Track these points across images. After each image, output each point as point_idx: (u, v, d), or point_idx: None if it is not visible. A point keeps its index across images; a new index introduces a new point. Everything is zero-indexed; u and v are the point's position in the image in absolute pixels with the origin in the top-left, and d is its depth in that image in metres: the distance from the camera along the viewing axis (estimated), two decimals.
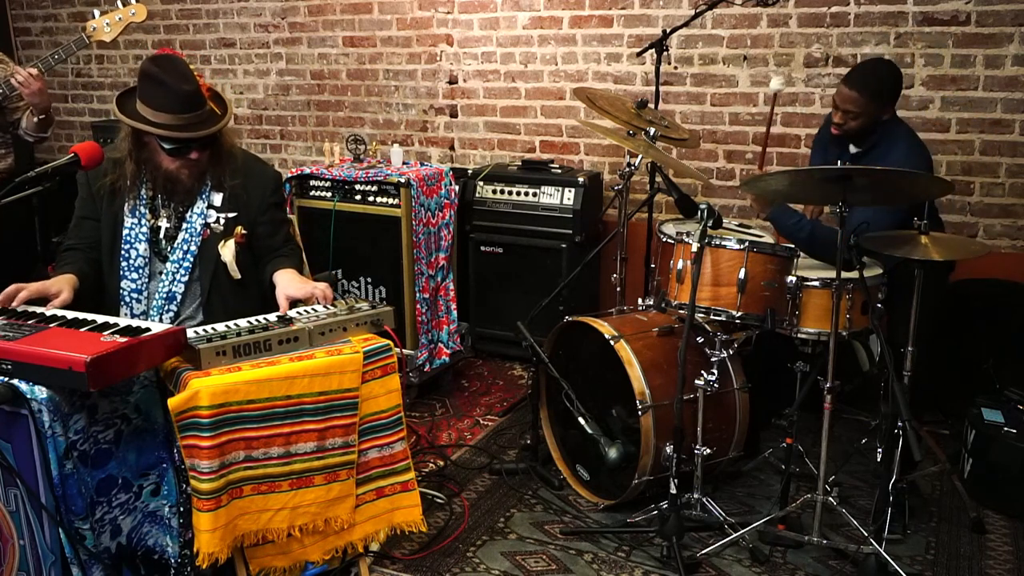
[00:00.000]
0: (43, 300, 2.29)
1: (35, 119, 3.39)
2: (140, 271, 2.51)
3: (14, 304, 2.24)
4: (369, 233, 3.85)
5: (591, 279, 4.28)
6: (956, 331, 3.57)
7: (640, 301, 3.29)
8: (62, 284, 2.34)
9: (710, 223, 2.64)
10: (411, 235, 3.75)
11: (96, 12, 3.31)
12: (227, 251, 2.51)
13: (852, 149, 3.10)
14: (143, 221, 2.52)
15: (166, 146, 2.42)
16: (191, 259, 2.51)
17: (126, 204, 2.52)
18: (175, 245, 2.52)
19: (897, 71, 3.05)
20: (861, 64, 3.27)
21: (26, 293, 2.25)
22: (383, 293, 3.90)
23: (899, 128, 3.01)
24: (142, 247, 2.51)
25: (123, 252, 2.51)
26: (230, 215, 2.54)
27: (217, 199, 2.54)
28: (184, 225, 2.52)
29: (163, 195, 2.53)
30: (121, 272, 2.51)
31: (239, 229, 2.54)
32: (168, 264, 2.51)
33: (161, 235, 2.53)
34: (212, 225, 2.53)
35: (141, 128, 2.40)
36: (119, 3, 3.32)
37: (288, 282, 2.46)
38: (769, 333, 2.85)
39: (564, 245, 4.11)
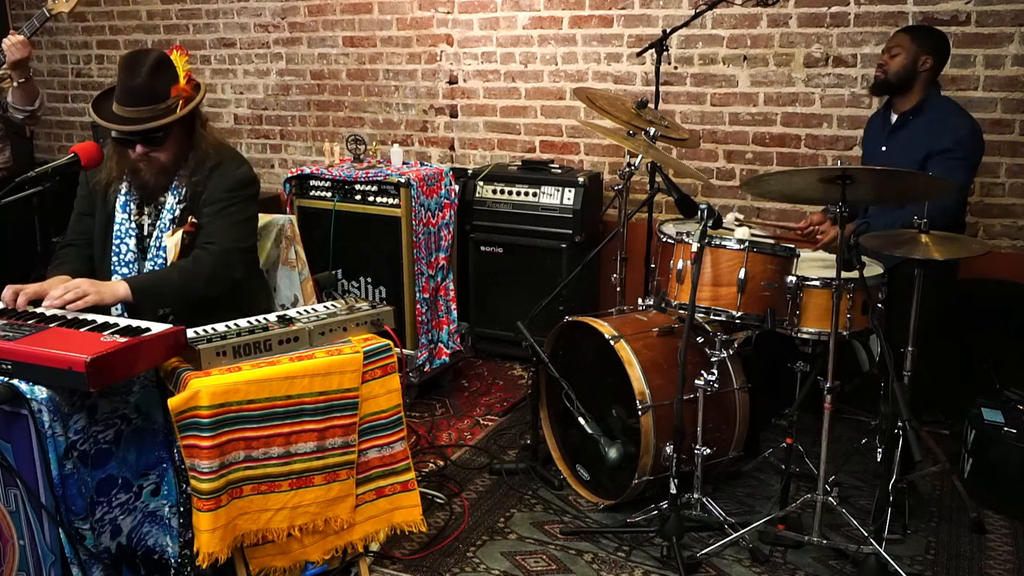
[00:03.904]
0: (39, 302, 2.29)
1: (15, 85, 3.38)
2: (130, 266, 2.52)
3: (19, 301, 2.24)
4: (369, 233, 3.86)
5: (591, 279, 4.28)
6: (956, 331, 3.57)
7: (640, 301, 3.29)
8: (57, 285, 2.33)
9: (710, 223, 2.64)
10: (411, 235, 3.75)
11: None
12: (171, 240, 2.48)
13: (894, 116, 3.19)
14: (131, 217, 2.53)
15: (115, 136, 2.43)
16: (164, 254, 2.51)
17: (118, 200, 2.54)
18: (151, 242, 2.53)
19: (947, 40, 3.20)
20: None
21: (23, 298, 2.25)
22: (383, 293, 3.90)
23: (946, 99, 3.15)
24: (131, 242, 2.53)
25: (114, 247, 2.53)
26: (183, 205, 2.52)
27: (184, 193, 2.53)
28: (158, 222, 2.53)
29: (135, 190, 2.54)
30: (112, 267, 2.52)
31: (191, 218, 2.50)
32: (147, 261, 2.52)
33: (144, 232, 2.54)
34: (175, 219, 2.53)
35: (94, 119, 2.44)
36: None
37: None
38: (769, 333, 2.85)
39: (564, 245, 4.11)
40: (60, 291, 2.22)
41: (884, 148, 3.18)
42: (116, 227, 2.53)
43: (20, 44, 3.30)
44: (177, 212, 2.51)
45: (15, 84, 3.39)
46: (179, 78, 2.45)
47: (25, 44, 3.32)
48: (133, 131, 2.40)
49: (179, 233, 2.48)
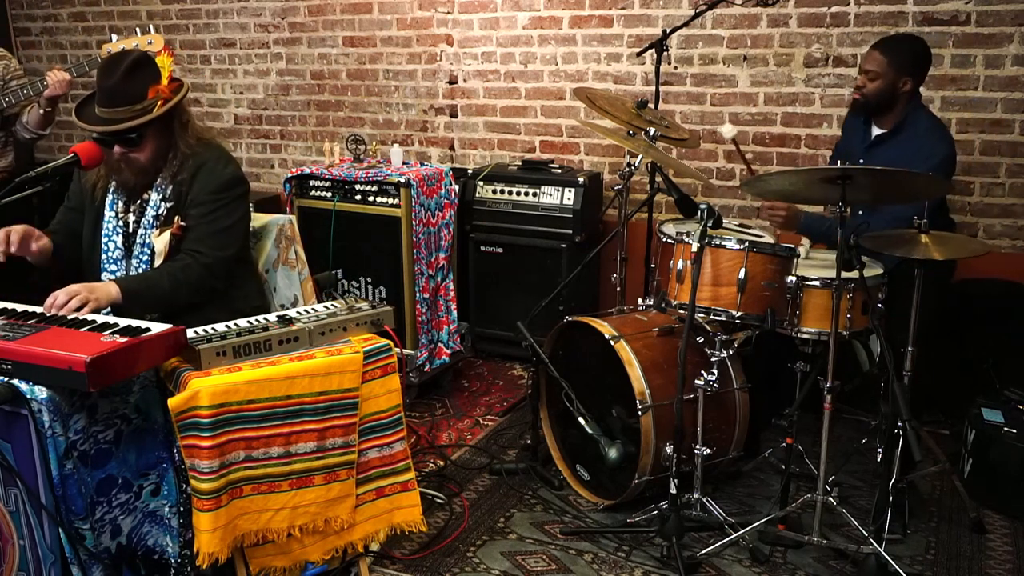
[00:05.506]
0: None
1: (41, 112, 3.49)
2: (118, 263, 2.54)
3: (12, 239, 2.38)
4: (369, 233, 3.85)
5: (591, 279, 4.28)
6: (956, 331, 3.57)
7: (640, 301, 3.29)
8: (42, 235, 2.48)
9: (710, 223, 2.64)
10: (411, 235, 3.75)
11: (115, 36, 3.43)
12: (159, 241, 2.48)
13: (876, 131, 3.15)
14: (118, 215, 2.55)
15: (93, 137, 2.45)
16: (148, 251, 2.51)
17: (106, 199, 2.56)
18: (136, 239, 2.53)
19: (925, 48, 3.10)
20: (894, 34, 3.45)
21: (16, 236, 2.39)
22: (383, 293, 3.90)
23: (924, 113, 3.07)
24: (119, 240, 2.54)
25: (103, 246, 2.54)
26: (169, 205, 2.52)
27: (168, 192, 2.53)
28: (143, 219, 2.53)
29: (119, 189, 2.56)
30: (101, 265, 2.54)
31: (177, 219, 2.50)
32: (132, 259, 2.53)
33: (130, 230, 2.55)
34: (160, 216, 2.53)
35: (74, 121, 2.50)
36: (138, 31, 3.37)
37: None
38: (769, 333, 2.85)
39: (564, 245, 4.11)
40: (64, 297, 2.23)
41: (862, 161, 3.15)
42: (104, 225, 2.55)
43: (64, 83, 3.46)
44: (163, 210, 2.51)
45: (41, 111, 3.50)
46: (160, 79, 2.45)
47: (68, 84, 3.48)
48: (108, 132, 2.41)
49: (167, 234, 2.48)
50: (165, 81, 2.45)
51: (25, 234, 2.43)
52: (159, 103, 2.43)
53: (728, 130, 3.19)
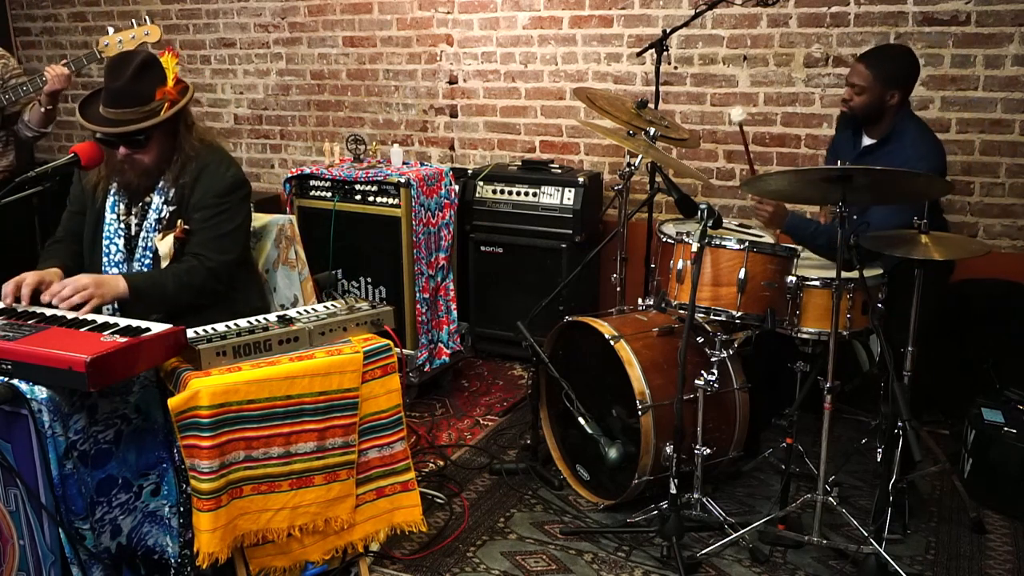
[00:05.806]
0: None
1: (42, 110, 3.50)
2: (120, 266, 2.53)
3: (23, 293, 2.28)
4: (369, 233, 3.86)
5: (591, 279, 4.28)
6: (956, 331, 3.57)
7: (640, 301, 3.29)
8: (53, 277, 2.39)
9: (710, 223, 2.64)
10: (411, 235, 3.75)
11: (111, 29, 3.41)
12: (163, 244, 2.47)
13: (866, 140, 3.13)
14: (119, 217, 2.54)
15: (97, 138, 2.44)
16: (150, 254, 2.51)
17: (107, 200, 2.55)
18: (138, 242, 2.53)
19: (912, 58, 3.05)
20: (880, 45, 3.40)
21: (27, 289, 2.28)
22: (383, 293, 3.90)
23: (912, 124, 3.02)
24: (120, 242, 2.54)
25: (104, 248, 2.54)
26: (171, 208, 2.52)
27: (171, 195, 2.53)
28: (144, 222, 2.53)
29: (121, 191, 2.55)
30: (103, 268, 2.53)
31: (180, 223, 2.49)
32: (134, 262, 2.53)
33: (132, 232, 2.55)
34: (162, 219, 2.53)
35: (79, 120, 2.47)
36: (134, 23, 3.37)
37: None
38: (769, 333, 2.85)
39: (564, 245, 4.11)
40: (69, 291, 2.23)
41: None
42: (105, 227, 2.54)
43: (63, 77, 3.46)
44: (165, 213, 2.51)
45: (42, 109, 3.51)
46: (166, 80, 2.44)
47: (68, 78, 3.48)
48: (114, 133, 2.40)
49: (170, 238, 2.47)
50: (171, 83, 2.45)
51: (36, 287, 2.34)
52: (166, 105, 2.43)
53: (737, 113, 3.13)
